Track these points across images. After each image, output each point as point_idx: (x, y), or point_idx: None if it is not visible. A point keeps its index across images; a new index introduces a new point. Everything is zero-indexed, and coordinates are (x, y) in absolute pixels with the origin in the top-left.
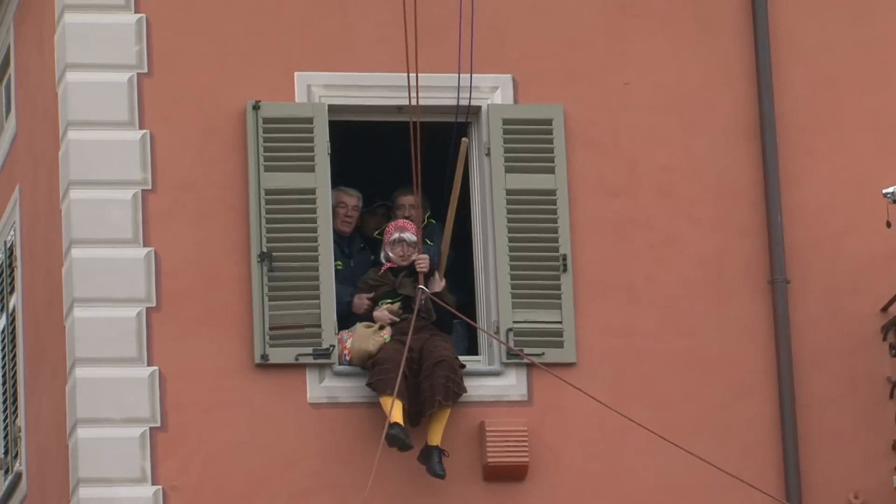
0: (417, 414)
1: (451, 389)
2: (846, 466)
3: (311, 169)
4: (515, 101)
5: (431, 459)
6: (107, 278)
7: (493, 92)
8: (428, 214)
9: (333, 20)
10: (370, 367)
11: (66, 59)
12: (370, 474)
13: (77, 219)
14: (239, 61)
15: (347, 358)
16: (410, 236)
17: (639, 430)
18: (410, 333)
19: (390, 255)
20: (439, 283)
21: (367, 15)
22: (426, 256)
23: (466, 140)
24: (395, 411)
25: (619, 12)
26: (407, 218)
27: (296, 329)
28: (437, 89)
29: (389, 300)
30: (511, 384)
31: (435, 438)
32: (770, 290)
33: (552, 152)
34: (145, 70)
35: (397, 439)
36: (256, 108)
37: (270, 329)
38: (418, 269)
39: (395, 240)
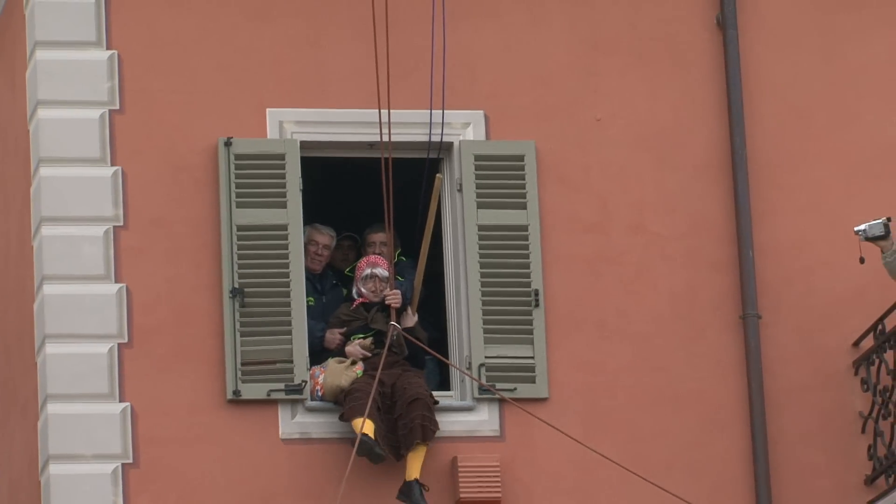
0: (393, 451)
1: (429, 429)
2: (819, 501)
3: (283, 205)
4: (487, 136)
5: (413, 494)
6: (78, 314)
7: (464, 128)
8: (398, 252)
9: (305, 56)
10: (342, 400)
11: (38, 96)
12: None
13: (49, 255)
14: (210, 97)
15: (320, 393)
16: (382, 272)
17: (611, 466)
18: (381, 367)
19: (362, 290)
20: (412, 319)
21: (339, 51)
22: (398, 292)
23: (441, 176)
24: (367, 427)
25: (591, 49)
26: (378, 255)
27: (268, 365)
28: (409, 125)
29: (361, 335)
30: (483, 419)
31: (413, 473)
32: (742, 325)
33: (524, 188)
34: (117, 106)
35: (366, 446)
36: (228, 144)
37: (242, 365)
38: (390, 304)
39: (366, 275)
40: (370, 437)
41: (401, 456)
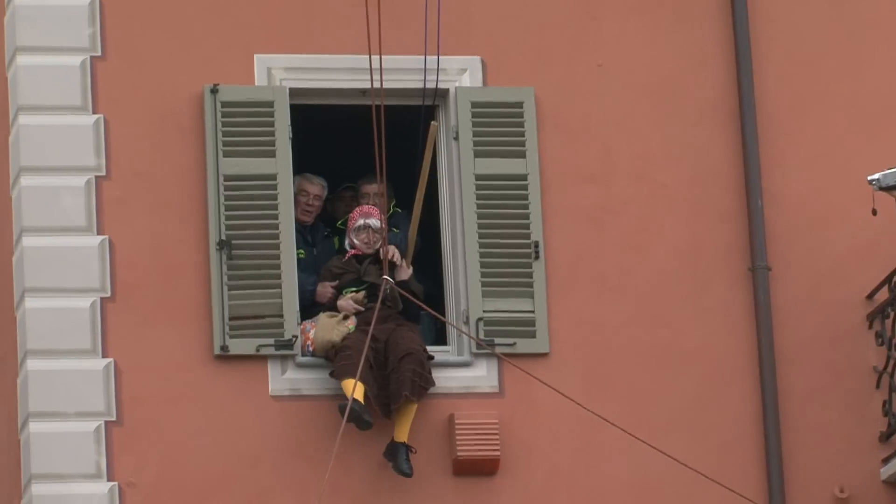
0: (385, 408)
1: (418, 384)
2: (831, 460)
3: (272, 154)
4: (484, 83)
5: (398, 457)
6: (59, 268)
7: (461, 74)
8: (393, 203)
9: (295, 0)
10: (333, 356)
11: (17, 42)
12: (334, 468)
13: (28, 206)
14: (196, 43)
15: (310, 349)
16: (375, 222)
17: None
18: (374, 323)
19: (355, 241)
20: (406, 272)
21: None
22: (394, 247)
23: (436, 124)
24: (357, 391)
25: None
26: (373, 205)
27: (256, 319)
28: (402, 72)
29: (354, 288)
30: (481, 375)
31: (401, 435)
32: (750, 277)
33: (523, 136)
34: (99, 53)
35: (355, 413)
36: (214, 91)
37: (230, 320)
38: (390, 259)
39: (359, 226)
40: (360, 403)
41: (391, 411)
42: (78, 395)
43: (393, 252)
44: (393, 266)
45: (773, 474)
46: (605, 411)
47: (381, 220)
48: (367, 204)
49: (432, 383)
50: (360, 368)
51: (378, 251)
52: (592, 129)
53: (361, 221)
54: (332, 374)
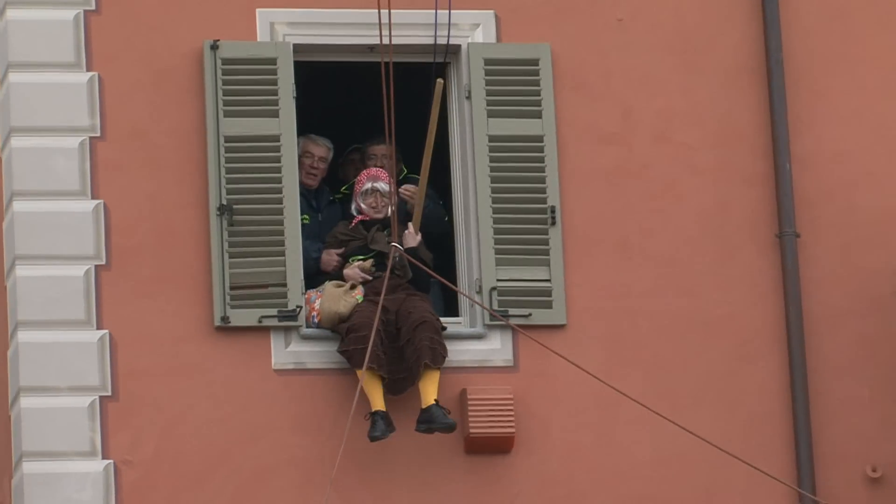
0: (402, 382)
1: (438, 351)
2: (862, 437)
3: (275, 114)
4: (498, 39)
5: (435, 417)
6: (52, 234)
7: (473, 30)
8: (405, 174)
9: None
10: (343, 333)
11: None
12: (341, 447)
13: (19, 169)
14: None
15: (316, 320)
16: (384, 185)
17: (636, 398)
18: (383, 294)
19: (362, 206)
20: (415, 238)
21: None
22: (413, 186)
23: (442, 80)
24: (374, 393)
25: None
26: (381, 168)
27: (259, 289)
28: (412, 27)
29: (361, 256)
30: (495, 348)
31: (429, 397)
32: (778, 244)
33: (538, 95)
34: (93, 7)
35: (379, 439)
36: (215, 47)
37: (231, 289)
38: (404, 197)
39: (366, 190)
40: (383, 422)
41: (410, 384)
42: (71, 369)
43: (412, 189)
44: (401, 232)
45: (802, 452)
46: (626, 386)
47: (389, 184)
48: (375, 166)
49: (447, 351)
50: (367, 357)
51: (387, 217)
52: (612, 88)
53: (369, 185)
54: (341, 352)
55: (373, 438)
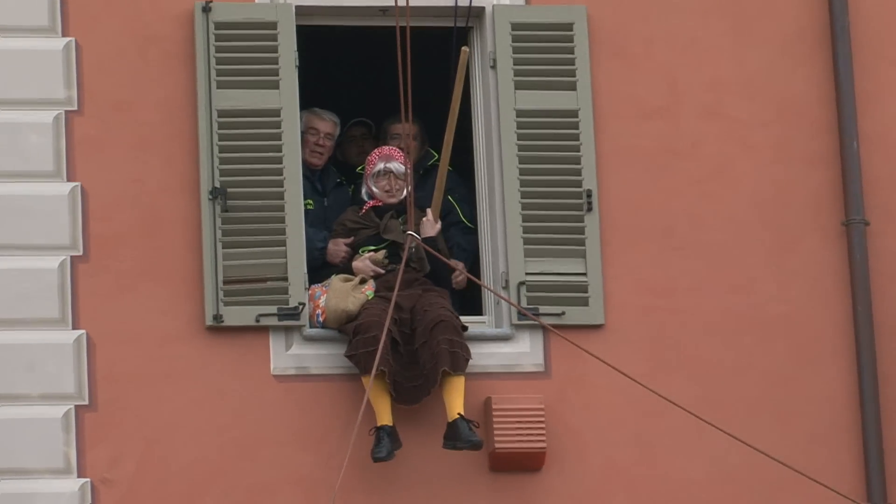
0: (416, 391)
1: (459, 355)
2: None
3: (275, 85)
4: (527, 1)
5: (461, 432)
6: (22, 221)
7: None
8: (435, 159)
9: None
10: (350, 334)
11: None
12: (345, 463)
13: None
14: None
15: (321, 319)
16: (398, 166)
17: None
18: (397, 289)
19: (374, 190)
20: (434, 227)
21: None
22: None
23: (467, 49)
24: (382, 406)
25: None
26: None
27: (256, 283)
28: None
29: (372, 247)
30: (524, 351)
31: (455, 409)
32: (844, 233)
33: (573, 64)
34: None
35: (385, 456)
36: (207, 10)
37: (225, 283)
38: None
39: (379, 171)
40: (389, 439)
41: (426, 394)
42: (43, 374)
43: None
44: (418, 219)
45: (873, 467)
46: (672, 393)
47: (405, 165)
48: (398, 146)
49: (471, 354)
50: (376, 363)
51: (402, 202)
52: (655, 56)
53: (381, 165)
54: (349, 357)
55: (376, 459)
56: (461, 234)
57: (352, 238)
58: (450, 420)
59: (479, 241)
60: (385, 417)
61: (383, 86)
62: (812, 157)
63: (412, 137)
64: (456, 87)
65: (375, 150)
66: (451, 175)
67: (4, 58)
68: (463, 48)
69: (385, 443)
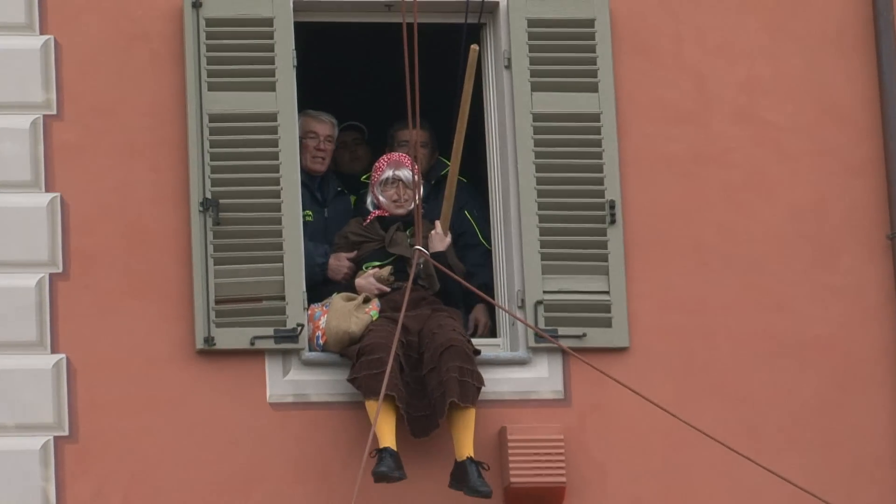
0: (424, 421)
1: (469, 385)
2: None
3: (272, 87)
4: None
5: (469, 477)
6: None
7: None
8: (447, 170)
9: None
10: (354, 357)
11: None
12: (351, 498)
13: None
14: None
15: (321, 342)
16: (408, 174)
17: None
18: (404, 309)
19: (380, 199)
20: (443, 240)
21: None
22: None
23: (476, 47)
24: (385, 428)
25: None
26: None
27: (251, 303)
28: None
29: (377, 262)
30: (541, 377)
31: (464, 449)
32: (890, 247)
33: (594, 64)
34: None
35: (385, 476)
36: (197, 5)
37: (217, 303)
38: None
39: (387, 179)
40: (391, 459)
41: (435, 426)
42: (19, 403)
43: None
44: (426, 232)
45: None
46: (703, 422)
47: (413, 172)
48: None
49: (483, 382)
50: (384, 384)
51: (410, 213)
52: (684, 55)
53: (390, 173)
54: (351, 381)
55: (377, 475)
56: (479, 257)
57: (355, 252)
58: (458, 459)
59: (493, 256)
60: (388, 440)
61: (386, 88)
62: (854, 164)
63: (421, 145)
64: (465, 88)
65: (384, 156)
66: (467, 189)
67: None
68: (472, 46)
69: (387, 460)
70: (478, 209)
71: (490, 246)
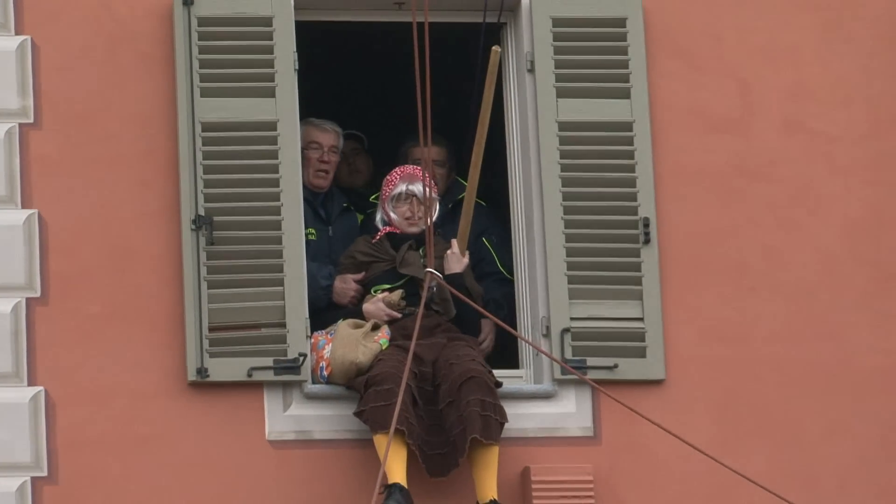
0: (442, 460)
1: (492, 419)
2: None
3: (271, 93)
4: None
5: None
6: None
7: None
8: (463, 194)
9: None
10: (361, 389)
11: None
12: None
13: None
14: None
15: (325, 373)
16: (422, 189)
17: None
18: (415, 337)
19: (392, 215)
20: (460, 261)
21: None
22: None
23: (498, 48)
24: (396, 464)
25: None
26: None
27: (248, 330)
28: None
29: (387, 285)
30: (568, 412)
31: (487, 492)
32: None
33: (626, 67)
34: None
35: None
36: (188, 3)
37: (211, 331)
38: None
39: (399, 194)
40: (401, 495)
41: (454, 465)
42: None
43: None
44: (441, 252)
45: None
46: (747, 464)
47: (427, 186)
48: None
49: (506, 417)
50: (395, 415)
51: (423, 232)
52: (725, 58)
53: (403, 187)
54: (358, 415)
55: None
56: (498, 287)
57: (362, 273)
58: (480, 503)
59: (515, 280)
60: (398, 475)
61: (389, 94)
62: None
63: (438, 164)
64: (485, 95)
65: (397, 169)
66: (486, 212)
67: None
68: (493, 48)
69: (396, 497)
70: (497, 235)
71: (510, 275)
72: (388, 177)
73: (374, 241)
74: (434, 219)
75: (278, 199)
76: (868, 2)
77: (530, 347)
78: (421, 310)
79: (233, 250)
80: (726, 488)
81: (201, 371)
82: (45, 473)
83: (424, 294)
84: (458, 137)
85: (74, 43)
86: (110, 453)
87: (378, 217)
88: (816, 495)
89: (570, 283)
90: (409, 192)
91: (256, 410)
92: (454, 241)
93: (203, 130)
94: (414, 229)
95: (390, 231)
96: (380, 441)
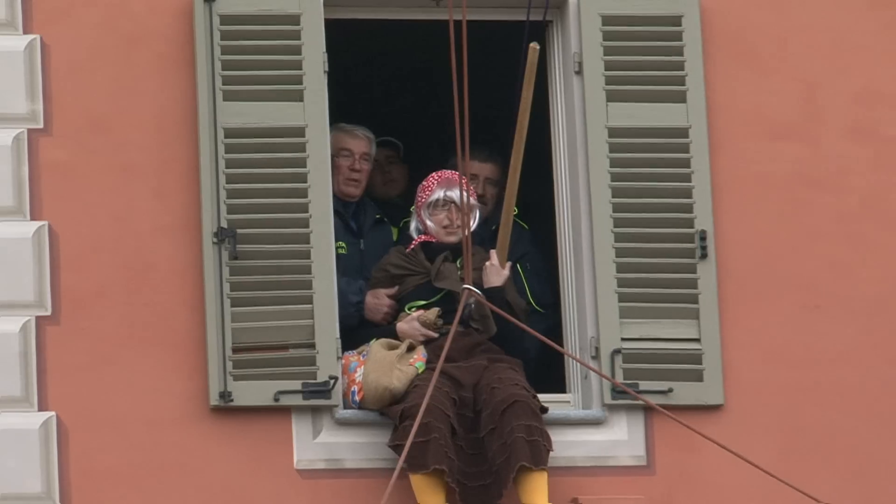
0: (483, 492)
1: (540, 444)
2: None
3: (299, 96)
4: None
5: None
6: None
7: None
8: (516, 213)
9: None
10: (396, 418)
11: None
12: None
13: None
14: None
15: (357, 398)
16: (461, 195)
17: None
18: (443, 356)
19: (428, 223)
20: (500, 274)
21: None
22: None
23: (537, 45)
24: (433, 500)
25: None
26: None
27: (275, 352)
28: None
29: (423, 301)
30: (620, 439)
31: None
32: None
33: (682, 69)
34: None
35: None
36: (210, 0)
37: (234, 352)
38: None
39: (436, 200)
40: None
41: (499, 496)
42: (1, 469)
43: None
44: (480, 264)
45: None
46: (814, 490)
47: (466, 191)
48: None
49: (552, 444)
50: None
51: (462, 242)
52: (789, 59)
53: (440, 193)
54: (393, 448)
55: None
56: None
57: (396, 288)
58: None
59: (561, 298)
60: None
61: (435, 102)
62: None
63: (490, 183)
64: (523, 96)
65: (434, 174)
66: (528, 237)
67: None
68: (532, 44)
69: None
70: (533, 263)
71: (543, 310)
72: (424, 182)
73: (408, 250)
74: (473, 227)
75: (306, 211)
76: None
77: (578, 370)
78: (454, 329)
79: (258, 265)
80: None
81: (224, 395)
82: (56, 503)
83: (459, 312)
84: (501, 144)
85: (87, 42)
86: (126, 483)
87: (413, 226)
88: None
89: (620, 301)
90: (446, 198)
91: (284, 437)
92: (493, 252)
93: (225, 137)
94: (452, 238)
95: (425, 240)
96: (417, 482)
